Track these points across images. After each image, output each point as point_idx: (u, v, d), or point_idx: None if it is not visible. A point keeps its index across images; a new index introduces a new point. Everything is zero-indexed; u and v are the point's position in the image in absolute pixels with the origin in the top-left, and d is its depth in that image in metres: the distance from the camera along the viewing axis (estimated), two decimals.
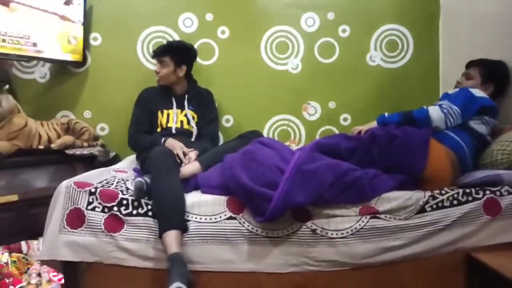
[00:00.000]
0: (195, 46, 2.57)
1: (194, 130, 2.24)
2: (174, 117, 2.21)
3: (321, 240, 1.60)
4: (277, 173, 1.60)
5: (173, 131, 2.19)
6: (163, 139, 2.05)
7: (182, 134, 2.18)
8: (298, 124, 2.72)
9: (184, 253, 1.49)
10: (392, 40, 2.69)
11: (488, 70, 2.01)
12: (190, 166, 1.84)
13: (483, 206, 1.66)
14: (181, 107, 2.25)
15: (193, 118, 2.25)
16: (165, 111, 2.22)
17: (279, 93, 2.68)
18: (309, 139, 2.65)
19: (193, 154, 1.95)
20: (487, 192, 1.68)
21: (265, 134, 2.67)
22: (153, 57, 2.27)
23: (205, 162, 1.86)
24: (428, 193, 1.66)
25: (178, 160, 1.90)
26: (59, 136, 2.28)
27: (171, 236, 1.49)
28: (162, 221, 1.54)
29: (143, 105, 2.23)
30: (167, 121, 2.21)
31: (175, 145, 2.00)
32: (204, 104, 2.32)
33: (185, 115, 2.24)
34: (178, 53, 2.23)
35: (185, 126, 2.23)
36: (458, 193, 1.67)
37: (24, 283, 2.12)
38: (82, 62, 2.50)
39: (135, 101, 2.26)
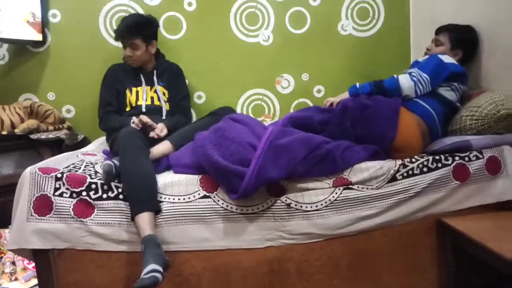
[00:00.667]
0: (161, 19, 2.48)
1: (165, 107, 2.16)
2: (144, 95, 2.13)
3: (296, 213, 1.61)
4: (249, 149, 1.58)
5: (143, 109, 2.11)
6: (132, 120, 1.97)
7: (152, 112, 2.10)
8: (272, 98, 2.69)
9: (158, 235, 1.47)
10: (363, 8, 2.65)
11: (457, 35, 2.01)
12: (161, 146, 1.79)
13: (452, 172, 1.70)
14: (150, 83, 2.16)
15: (164, 94, 2.18)
16: (134, 89, 2.13)
17: (251, 66, 2.62)
18: (283, 113, 2.62)
19: (161, 125, 1.90)
20: (456, 158, 1.71)
21: (238, 109, 2.63)
22: (119, 40, 2.11)
23: (176, 141, 1.81)
24: (399, 162, 1.68)
25: (151, 135, 1.83)
26: (22, 121, 2.17)
27: (144, 218, 1.47)
28: (133, 204, 1.51)
29: (110, 85, 2.13)
30: (137, 99, 2.12)
31: (142, 118, 1.88)
32: (174, 79, 2.24)
33: (155, 91, 2.16)
34: (146, 29, 2.11)
35: (156, 102, 2.15)
36: (428, 160, 1.70)
37: None
38: (42, 41, 2.36)
39: (102, 81, 2.16)
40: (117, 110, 2.12)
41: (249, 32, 2.60)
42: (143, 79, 2.16)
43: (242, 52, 2.60)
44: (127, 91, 2.13)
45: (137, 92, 2.14)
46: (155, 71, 2.19)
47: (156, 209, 1.52)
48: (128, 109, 2.13)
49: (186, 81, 2.35)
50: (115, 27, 2.39)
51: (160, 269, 1.32)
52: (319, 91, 2.70)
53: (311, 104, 2.64)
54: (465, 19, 2.06)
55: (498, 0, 1.92)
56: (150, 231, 1.44)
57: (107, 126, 2.07)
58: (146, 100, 2.13)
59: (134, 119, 1.90)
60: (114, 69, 2.18)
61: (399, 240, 1.70)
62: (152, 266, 1.31)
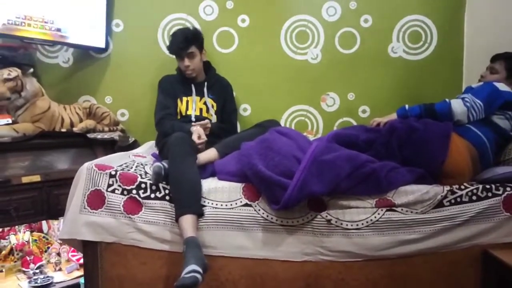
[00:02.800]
0: (215, 34, 2.59)
1: (213, 119, 2.23)
2: (193, 105, 2.21)
3: (335, 230, 1.60)
4: (294, 162, 1.60)
5: (193, 118, 2.18)
6: (191, 127, 2.01)
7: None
8: (316, 115, 2.70)
9: (199, 238, 1.51)
10: (415, 32, 2.63)
11: None
12: (207, 153, 1.85)
13: (502, 202, 1.63)
14: (200, 94, 2.24)
15: (212, 106, 2.25)
16: (184, 98, 2.22)
17: (297, 83, 2.66)
18: (326, 131, 2.62)
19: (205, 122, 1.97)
20: (508, 188, 1.65)
21: (282, 124, 2.65)
22: (176, 53, 2.19)
23: (222, 149, 1.87)
24: (447, 188, 1.64)
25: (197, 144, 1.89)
26: (81, 120, 2.33)
27: (187, 220, 1.52)
28: (178, 205, 1.56)
29: (167, 90, 2.22)
30: (186, 109, 2.21)
31: (199, 132, 1.96)
32: (223, 93, 2.32)
33: (204, 103, 2.24)
34: (198, 38, 2.23)
35: (204, 114, 2.22)
36: (477, 188, 1.65)
37: (44, 262, 2.20)
38: (104, 48, 2.53)
39: (158, 87, 2.25)
40: (174, 114, 2.19)
41: (298, 49, 2.65)
42: (194, 90, 2.24)
43: (290, 69, 2.65)
44: (178, 101, 2.22)
45: (187, 102, 2.22)
46: (206, 83, 2.27)
47: (199, 213, 1.57)
48: (178, 117, 2.21)
49: (234, 93, 2.42)
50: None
51: (201, 270, 1.35)
52: (364, 111, 2.69)
53: (355, 124, 2.63)
54: None
55: None
56: (192, 233, 1.49)
57: (163, 129, 2.11)
58: (195, 110, 2.21)
59: (197, 130, 1.94)
60: (168, 78, 2.28)
61: (441, 269, 1.64)
62: (193, 266, 1.35)
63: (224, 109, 2.30)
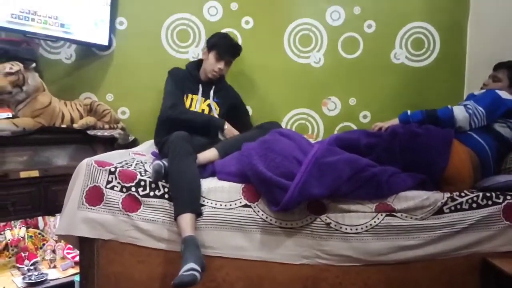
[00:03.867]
0: None
1: None
2: (197, 104, 2.21)
3: (334, 234, 1.59)
4: (295, 164, 1.59)
5: None
6: (226, 127, 2.07)
7: None
8: (317, 119, 2.70)
9: (198, 237, 1.50)
10: (418, 38, 2.64)
11: None
12: (208, 153, 1.85)
13: (502, 211, 1.63)
14: (205, 96, 2.25)
15: (215, 109, 2.25)
16: (190, 95, 2.22)
17: (299, 86, 2.67)
18: (327, 135, 2.62)
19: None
20: (508, 197, 1.64)
21: (283, 126, 2.65)
22: (225, 54, 2.20)
23: (223, 149, 1.86)
24: (447, 194, 1.64)
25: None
26: (81, 117, 2.31)
27: (186, 219, 1.51)
28: (177, 204, 1.55)
29: (177, 82, 2.21)
30: (189, 106, 2.21)
31: (234, 132, 2.06)
32: (230, 100, 2.34)
33: (208, 105, 2.24)
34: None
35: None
36: (478, 196, 1.64)
37: (38, 258, 2.18)
38: (107, 46, 2.53)
39: (170, 77, 2.23)
40: (183, 104, 2.19)
41: (301, 53, 2.66)
42: (200, 89, 2.25)
43: (293, 72, 2.65)
44: (184, 96, 2.22)
45: (192, 99, 2.23)
46: (213, 86, 2.28)
47: (198, 212, 1.56)
48: None
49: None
50: (175, 39, 2.53)
51: (199, 269, 1.34)
52: (365, 116, 2.69)
53: (355, 129, 2.63)
54: None
55: None
56: (191, 232, 1.48)
57: (180, 116, 2.07)
58: (198, 110, 2.21)
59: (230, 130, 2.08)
60: (176, 72, 2.28)
61: (440, 276, 1.63)
62: (192, 265, 1.34)
63: (239, 114, 2.36)
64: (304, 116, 2.70)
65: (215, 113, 2.24)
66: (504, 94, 1.85)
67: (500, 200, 1.64)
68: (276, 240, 1.60)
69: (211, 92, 2.26)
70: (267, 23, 2.62)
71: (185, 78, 2.25)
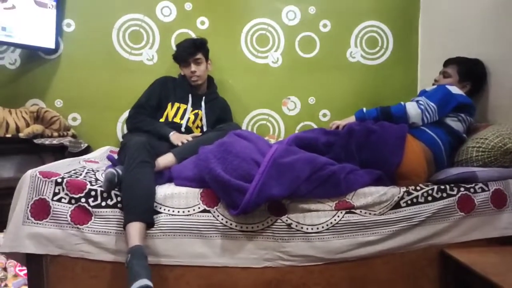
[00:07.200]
0: (174, 36, 2.53)
1: (195, 132, 2.22)
2: (187, 115, 2.19)
3: (296, 234, 1.58)
4: (253, 165, 1.56)
5: (183, 128, 2.18)
6: (171, 133, 2.04)
7: (187, 132, 2.16)
8: (278, 119, 2.69)
9: (154, 247, 1.43)
10: (372, 37, 2.70)
11: (465, 68, 2.03)
12: (164, 159, 1.78)
13: (457, 202, 1.67)
14: (195, 106, 2.23)
15: (200, 120, 2.25)
16: (176, 104, 2.20)
17: (259, 87, 2.65)
18: (288, 134, 2.61)
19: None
20: (462, 189, 1.69)
21: (244, 128, 2.63)
22: (183, 58, 2.21)
23: (179, 154, 1.81)
24: (403, 189, 1.66)
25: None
26: (28, 125, 2.18)
27: (135, 227, 1.43)
28: (128, 212, 1.48)
29: (156, 92, 2.22)
30: (174, 116, 2.18)
31: (181, 138, 2.00)
32: (219, 111, 2.33)
33: (195, 114, 2.22)
34: (205, 47, 2.27)
35: (189, 124, 2.21)
36: (432, 189, 1.68)
37: None
38: (54, 49, 2.40)
39: (150, 85, 2.24)
40: (148, 115, 2.16)
41: (259, 53, 2.64)
42: (190, 99, 2.23)
43: (251, 72, 2.63)
44: (169, 105, 2.19)
45: (178, 108, 2.20)
46: (204, 97, 2.27)
47: (148, 221, 1.48)
48: (162, 120, 2.18)
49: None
50: (128, 41, 2.46)
51: (151, 285, 1.25)
52: (324, 115, 2.70)
53: (315, 127, 2.64)
54: (473, 52, 2.09)
55: (506, 35, 1.94)
56: (139, 242, 1.40)
57: (137, 126, 2.10)
58: (188, 121, 2.19)
59: (176, 137, 2.02)
60: (164, 80, 2.27)
61: (400, 269, 1.66)
62: (145, 281, 1.25)
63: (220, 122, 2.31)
64: (264, 116, 2.68)
65: (198, 122, 2.23)
66: (454, 89, 1.91)
67: (455, 192, 1.68)
68: (237, 244, 1.56)
69: (202, 103, 2.26)
70: (223, 23, 2.59)
71: (175, 86, 2.25)
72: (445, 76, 2.07)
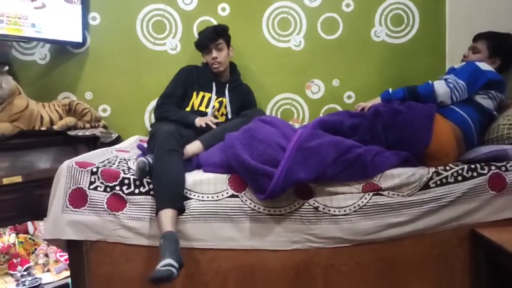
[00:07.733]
0: (195, 24, 2.54)
1: (221, 119, 2.24)
2: (211, 103, 2.22)
3: (323, 217, 1.59)
4: (278, 150, 1.58)
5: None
6: (196, 119, 2.06)
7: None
8: (301, 103, 2.68)
9: (185, 231, 1.49)
10: (397, 15, 2.62)
11: (495, 43, 1.96)
12: (192, 146, 1.82)
13: (488, 181, 1.64)
14: (219, 94, 2.26)
15: (225, 107, 2.27)
16: (201, 93, 2.23)
17: (281, 71, 2.64)
18: (312, 118, 2.58)
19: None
20: (493, 167, 1.66)
21: (267, 113, 2.64)
22: (205, 44, 2.23)
23: (206, 141, 1.85)
24: (432, 169, 1.64)
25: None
26: (61, 118, 2.27)
27: (167, 214, 1.48)
28: (159, 199, 1.53)
29: (181, 81, 2.25)
30: (199, 104, 2.21)
31: (205, 120, 2.03)
32: (243, 98, 2.34)
33: (219, 102, 2.25)
34: (226, 33, 2.28)
35: (215, 112, 2.23)
36: (462, 168, 1.65)
37: (31, 263, 2.16)
38: (82, 43, 2.47)
39: (175, 75, 2.28)
40: (176, 105, 2.20)
41: (281, 37, 2.62)
42: (214, 88, 2.25)
43: (273, 57, 2.62)
44: (194, 94, 2.23)
45: (202, 97, 2.23)
46: (227, 84, 2.29)
47: (179, 208, 1.53)
48: (188, 109, 2.21)
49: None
50: (151, 31, 2.49)
51: (176, 265, 1.31)
52: (349, 97, 2.68)
53: (340, 110, 2.62)
54: (503, 27, 2.00)
55: None
56: (171, 228, 1.45)
57: (164, 116, 2.13)
58: (213, 108, 2.21)
59: (204, 120, 2.04)
60: (189, 69, 2.30)
61: (430, 250, 1.65)
62: (169, 260, 1.31)
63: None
64: (288, 101, 2.68)
65: (223, 110, 2.25)
66: (483, 66, 1.85)
67: (485, 171, 1.65)
68: (266, 227, 1.60)
69: (226, 90, 2.27)
70: (244, 9, 2.57)
71: (199, 75, 2.28)
72: (474, 51, 2.01)
